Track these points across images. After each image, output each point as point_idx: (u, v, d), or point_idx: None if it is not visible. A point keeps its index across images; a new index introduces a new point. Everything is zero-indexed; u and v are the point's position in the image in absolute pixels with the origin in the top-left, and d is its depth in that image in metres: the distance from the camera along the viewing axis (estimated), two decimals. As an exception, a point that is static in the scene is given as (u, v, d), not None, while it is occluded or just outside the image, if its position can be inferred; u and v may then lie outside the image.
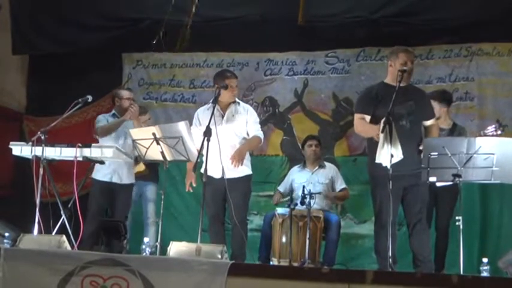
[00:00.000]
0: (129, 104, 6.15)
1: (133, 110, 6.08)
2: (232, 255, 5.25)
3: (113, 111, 6.29)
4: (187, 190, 5.59)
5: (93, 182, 6.12)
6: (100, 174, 6.08)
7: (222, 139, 5.40)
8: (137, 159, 6.17)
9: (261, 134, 5.70)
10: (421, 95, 5.44)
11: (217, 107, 5.52)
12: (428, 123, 5.33)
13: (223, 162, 5.41)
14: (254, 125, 5.67)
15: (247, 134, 5.63)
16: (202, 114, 5.67)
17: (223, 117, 5.59)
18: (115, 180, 6.09)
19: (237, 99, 5.71)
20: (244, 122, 5.63)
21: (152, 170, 6.81)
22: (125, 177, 6.13)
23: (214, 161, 5.32)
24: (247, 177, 5.64)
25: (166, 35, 7.35)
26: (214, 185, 5.43)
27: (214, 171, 5.44)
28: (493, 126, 5.46)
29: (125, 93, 6.32)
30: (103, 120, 6.22)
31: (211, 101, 5.53)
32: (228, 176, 5.48)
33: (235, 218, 5.40)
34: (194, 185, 5.54)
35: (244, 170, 5.61)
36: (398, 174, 4.85)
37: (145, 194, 6.86)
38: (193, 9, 7.17)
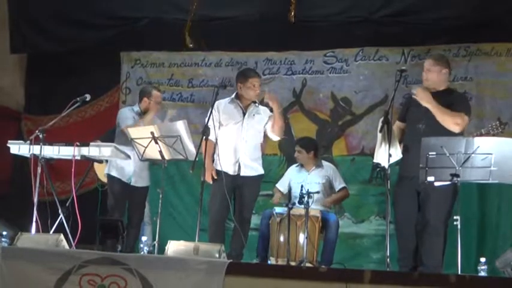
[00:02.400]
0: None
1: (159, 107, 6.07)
2: (229, 255, 5.26)
3: (138, 108, 6.11)
4: (210, 182, 5.50)
5: (110, 179, 5.97)
6: (119, 173, 5.94)
7: (242, 135, 5.53)
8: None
9: None
10: (451, 97, 5.30)
11: (238, 102, 5.63)
12: None
13: (241, 158, 5.47)
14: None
15: (265, 131, 5.73)
16: (224, 107, 5.65)
17: (244, 114, 5.63)
18: (133, 182, 5.97)
19: (257, 101, 5.74)
20: (264, 122, 5.71)
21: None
22: (141, 180, 6.01)
23: (231, 157, 5.40)
24: (260, 177, 5.72)
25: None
26: (226, 182, 5.40)
27: (230, 168, 5.48)
28: (495, 123, 5.45)
29: (156, 96, 6.12)
30: (129, 117, 5.99)
31: (233, 96, 5.65)
32: (244, 173, 5.56)
33: (243, 217, 5.44)
34: (216, 177, 5.48)
35: (259, 169, 5.70)
36: (411, 176, 4.86)
37: None
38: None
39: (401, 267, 5.13)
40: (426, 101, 5.10)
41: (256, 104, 5.71)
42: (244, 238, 5.52)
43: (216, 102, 5.69)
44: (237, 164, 5.50)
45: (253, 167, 5.61)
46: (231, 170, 5.50)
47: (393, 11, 7.07)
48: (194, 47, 7.59)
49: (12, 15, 7.87)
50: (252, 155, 5.64)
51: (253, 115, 5.66)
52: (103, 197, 6.42)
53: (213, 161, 5.52)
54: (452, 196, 5.11)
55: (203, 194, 5.14)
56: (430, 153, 4.64)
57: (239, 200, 5.51)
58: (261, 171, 5.71)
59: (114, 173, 5.95)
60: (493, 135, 5.38)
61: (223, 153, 5.45)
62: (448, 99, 5.23)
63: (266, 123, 5.71)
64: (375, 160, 5.03)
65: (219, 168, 5.47)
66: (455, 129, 5.06)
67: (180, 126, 5.12)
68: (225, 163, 5.45)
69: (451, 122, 5.06)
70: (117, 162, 5.87)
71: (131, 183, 5.97)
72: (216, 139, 5.44)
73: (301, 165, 6.54)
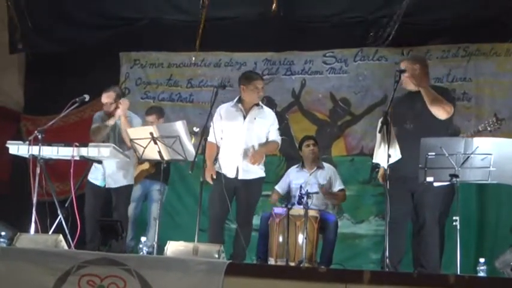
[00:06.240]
0: (113, 107, 5.98)
1: (119, 110, 5.92)
2: (233, 256, 5.28)
3: (104, 111, 6.13)
4: (210, 182, 5.53)
5: (87, 183, 6.04)
6: (93, 176, 6.03)
7: (241, 139, 5.51)
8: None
9: (279, 140, 5.78)
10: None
11: (240, 106, 5.60)
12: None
13: (239, 162, 5.48)
14: (276, 131, 5.74)
15: (267, 139, 5.68)
16: (225, 111, 5.66)
17: (244, 117, 5.62)
18: (108, 185, 5.99)
19: (260, 103, 5.73)
20: (267, 127, 5.67)
21: (160, 169, 6.73)
22: (120, 180, 6.03)
23: (230, 160, 5.38)
24: (261, 179, 5.71)
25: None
26: (225, 184, 5.41)
27: (229, 170, 5.49)
28: (492, 119, 5.43)
29: (104, 98, 6.04)
30: (97, 120, 6.12)
31: (235, 100, 5.62)
32: (243, 176, 5.55)
33: (244, 219, 5.43)
34: (214, 177, 5.51)
35: (259, 171, 5.68)
36: (403, 176, 4.85)
37: (150, 193, 6.74)
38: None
39: (391, 267, 5.13)
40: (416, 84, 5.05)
41: (260, 106, 5.70)
42: (245, 240, 5.50)
43: (219, 107, 5.72)
44: (236, 168, 5.50)
45: (252, 171, 5.60)
46: (230, 173, 5.51)
47: (392, 11, 7.06)
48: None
49: (11, 15, 7.86)
50: None
51: (255, 119, 5.63)
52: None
53: (215, 163, 5.52)
54: (448, 196, 5.11)
55: (202, 194, 5.14)
56: (429, 153, 4.64)
57: (238, 202, 5.51)
58: (262, 174, 5.70)
59: (89, 177, 5.99)
60: (490, 131, 5.37)
61: (223, 157, 5.45)
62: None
63: (271, 125, 5.68)
64: (374, 160, 5.03)
65: (219, 170, 5.49)
66: (443, 115, 4.99)
67: (179, 127, 5.11)
68: (225, 166, 5.46)
69: (441, 107, 4.99)
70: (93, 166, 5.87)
71: (105, 186, 5.98)
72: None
73: (302, 166, 6.53)
